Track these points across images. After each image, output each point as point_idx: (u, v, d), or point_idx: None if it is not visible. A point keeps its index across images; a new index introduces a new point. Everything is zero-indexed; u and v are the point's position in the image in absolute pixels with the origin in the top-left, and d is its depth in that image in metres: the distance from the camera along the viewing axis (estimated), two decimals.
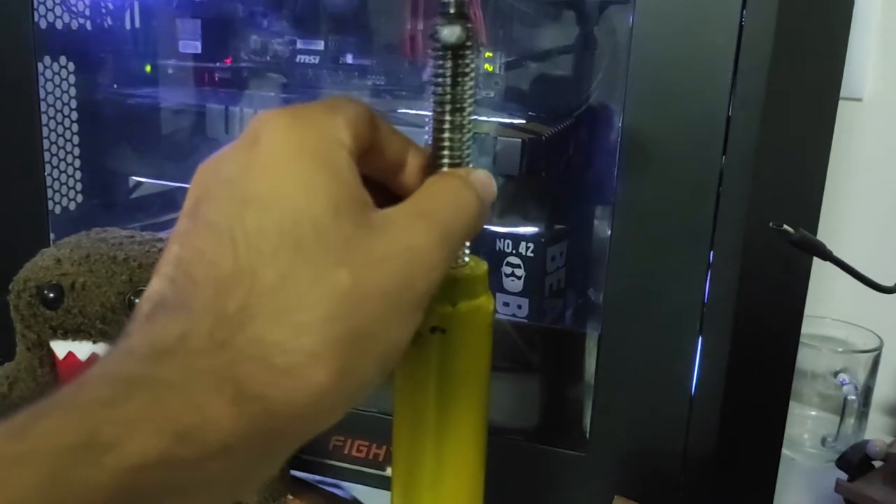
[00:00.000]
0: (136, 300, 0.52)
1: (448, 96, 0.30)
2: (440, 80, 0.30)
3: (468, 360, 0.31)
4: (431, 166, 0.30)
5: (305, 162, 0.25)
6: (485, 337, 0.31)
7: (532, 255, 0.64)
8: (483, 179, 0.30)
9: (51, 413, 0.20)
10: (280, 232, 0.24)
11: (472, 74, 0.30)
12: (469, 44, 0.30)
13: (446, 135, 0.30)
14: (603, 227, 0.63)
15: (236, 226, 0.24)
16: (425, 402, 0.30)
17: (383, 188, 0.30)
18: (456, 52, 0.29)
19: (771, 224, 0.43)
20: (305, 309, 0.23)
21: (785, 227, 0.42)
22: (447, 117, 0.30)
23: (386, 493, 0.33)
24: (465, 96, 0.30)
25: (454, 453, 0.31)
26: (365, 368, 0.24)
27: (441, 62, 0.30)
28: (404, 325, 0.25)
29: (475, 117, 0.31)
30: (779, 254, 0.46)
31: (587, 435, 0.54)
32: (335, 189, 0.25)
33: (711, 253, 0.48)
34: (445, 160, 0.30)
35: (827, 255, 0.44)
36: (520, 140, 0.59)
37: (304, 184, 0.24)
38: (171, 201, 0.82)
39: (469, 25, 0.29)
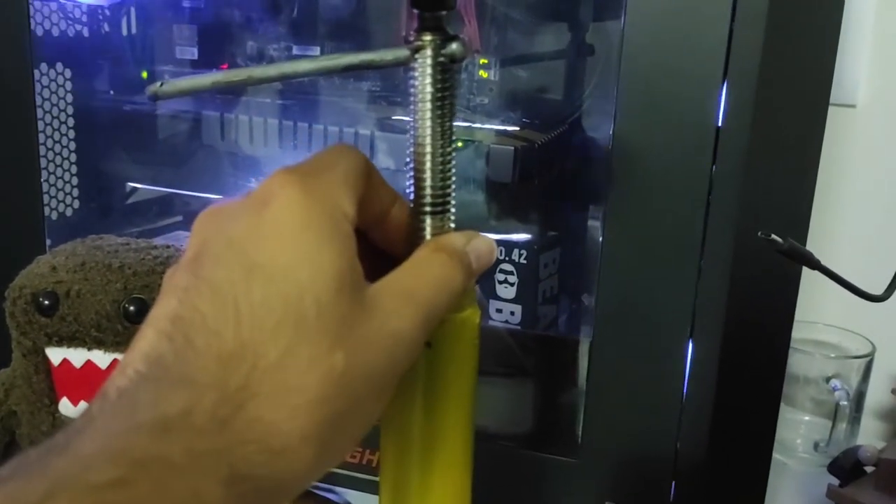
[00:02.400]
0: (131, 308, 0.52)
1: (432, 114, 0.30)
2: (429, 93, 0.30)
3: (454, 373, 0.31)
4: (416, 206, 0.30)
5: (313, 235, 0.25)
6: (471, 350, 0.31)
7: (525, 261, 0.64)
8: (481, 250, 0.30)
9: (60, 493, 0.20)
10: (285, 306, 0.24)
11: (455, 93, 0.30)
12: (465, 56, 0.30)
13: (427, 166, 0.30)
14: (595, 234, 0.63)
15: (241, 295, 0.24)
16: (412, 414, 0.31)
17: (361, 235, 0.30)
18: (448, 67, 0.30)
19: (759, 234, 0.43)
20: (302, 391, 0.24)
21: (773, 236, 0.42)
22: (428, 144, 0.30)
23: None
24: (447, 127, 0.30)
25: (441, 465, 0.31)
26: (343, 443, 0.26)
27: (433, 79, 0.30)
28: (381, 401, 0.27)
29: (469, 124, 0.31)
30: (769, 260, 0.47)
31: (579, 441, 0.54)
32: (339, 265, 0.25)
33: (702, 260, 0.48)
34: (427, 196, 0.30)
35: (815, 265, 0.44)
36: (512, 148, 0.60)
37: (310, 258, 0.25)
38: (167, 207, 0.82)
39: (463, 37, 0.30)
